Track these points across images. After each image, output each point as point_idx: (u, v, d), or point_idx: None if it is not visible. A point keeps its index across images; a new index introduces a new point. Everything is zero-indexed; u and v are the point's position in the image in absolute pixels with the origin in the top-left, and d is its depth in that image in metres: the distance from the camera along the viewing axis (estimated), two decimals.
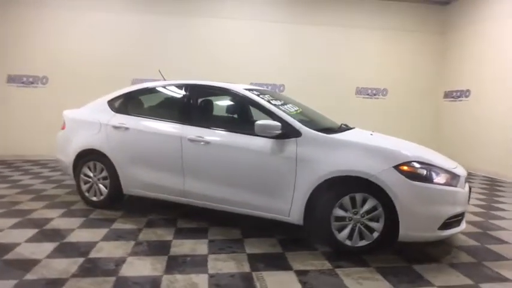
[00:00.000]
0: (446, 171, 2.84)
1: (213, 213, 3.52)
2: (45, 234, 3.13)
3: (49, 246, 2.85)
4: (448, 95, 7.98)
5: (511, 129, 6.16)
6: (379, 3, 7.97)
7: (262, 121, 3.01)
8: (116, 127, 3.72)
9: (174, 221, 3.56)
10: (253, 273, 2.51)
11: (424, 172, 2.76)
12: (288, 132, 3.02)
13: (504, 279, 2.52)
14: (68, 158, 4.01)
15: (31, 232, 3.14)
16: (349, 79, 8.11)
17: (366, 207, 2.81)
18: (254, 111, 3.97)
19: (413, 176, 2.73)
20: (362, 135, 3.29)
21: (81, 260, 2.63)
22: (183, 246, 2.95)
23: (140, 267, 2.55)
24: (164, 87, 3.87)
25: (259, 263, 2.69)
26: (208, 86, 3.64)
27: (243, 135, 3.23)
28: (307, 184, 2.91)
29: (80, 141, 3.90)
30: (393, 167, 2.75)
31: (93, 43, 7.12)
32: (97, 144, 3.79)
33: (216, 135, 3.28)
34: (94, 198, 3.90)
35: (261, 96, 3.39)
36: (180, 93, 3.63)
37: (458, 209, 2.83)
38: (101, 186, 3.85)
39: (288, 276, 2.50)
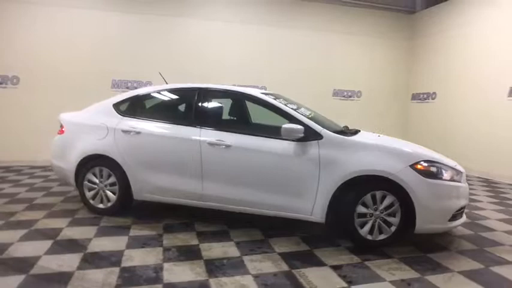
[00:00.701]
0: (452, 169, 3.17)
1: (226, 216, 3.58)
2: (63, 245, 2.98)
3: (74, 258, 2.73)
4: (415, 96, 8.66)
5: (474, 128, 6.87)
6: (353, 10, 8.41)
7: (288, 125, 3.13)
8: (125, 131, 3.62)
9: (191, 225, 3.55)
10: (294, 271, 2.63)
11: (435, 170, 3.07)
12: (309, 135, 3.17)
13: (508, 262, 2.89)
14: (68, 164, 3.81)
15: (46, 244, 2.97)
16: (327, 81, 8.46)
17: (385, 203, 3.05)
18: (254, 114, 4.08)
19: (426, 173, 3.02)
20: (373, 137, 3.53)
21: (116, 269, 2.57)
22: (213, 250, 2.97)
23: (181, 273, 2.55)
24: (176, 90, 3.83)
25: (294, 260, 2.81)
26: (225, 90, 3.67)
27: (264, 138, 3.33)
28: (330, 184, 3.08)
29: (84, 147, 3.73)
30: (409, 166, 3.02)
31: (69, 41, 6.70)
32: (105, 149, 3.65)
33: (237, 139, 3.33)
34: (101, 206, 3.76)
35: (277, 100, 3.50)
36: (195, 97, 3.61)
37: (462, 202, 3.17)
38: (109, 192, 3.71)
39: (326, 271, 2.65)
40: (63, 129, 3.94)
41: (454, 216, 3.13)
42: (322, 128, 3.24)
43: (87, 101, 6.55)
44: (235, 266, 2.68)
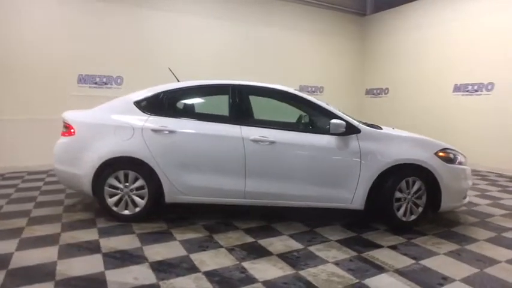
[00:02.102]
0: (461, 154, 3.72)
1: (257, 211, 3.72)
2: (116, 257, 2.70)
3: (143, 269, 2.53)
4: (369, 92, 9.57)
5: (422, 120, 7.91)
6: (314, 10, 8.88)
7: (335, 120, 3.31)
8: (156, 130, 3.38)
9: (230, 224, 3.51)
10: (363, 255, 2.85)
11: (452, 156, 3.57)
12: (348, 130, 3.40)
13: (510, 228, 3.54)
14: (83, 169, 3.40)
15: (95, 259, 2.67)
16: (293, 77, 8.81)
17: (415, 188, 3.45)
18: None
19: (447, 159, 3.51)
20: (394, 130, 3.90)
21: (200, 275, 2.47)
22: (275, 245, 3.02)
23: (267, 270, 2.57)
24: (208, 87, 3.69)
25: (354, 245, 3.04)
26: (261, 88, 3.67)
27: (305, 133, 3.48)
28: (370, 173, 3.37)
29: (105, 149, 3.37)
30: (434, 153, 3.47)
31: (28, 33, 5.79)
32: (132, 151, 3.37)
33: (280, 135, 3.40)
34: (126, 212, 3.46)
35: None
36: (230, 94, 3.54)
37: (470, 182, 3.74)
38: (136, 197, 3.44)
39: (388, 252, 2.93)
40: (71, 130, 3.49)
41: (465, 195, 3.69)
42: (358, 123, 3.50)
43: (52, 97, 5.89)
44: (310, 257, 2.79)
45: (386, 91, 9.05)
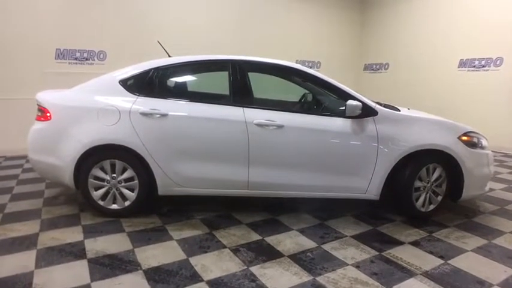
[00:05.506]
0: (484, 138, 3.40)
1: (260, 202, 3.42)
2: (104, 264, 2.33)
3: (136, 279, 2.17)
4: (367, 67, 9.13)
5: (424, 98, 7.56)
6: None
7: (352, 101, 2.92)
8: (146, 114, 2.94)
9: (231, 217, 3.16)
10: (384, 254, 2.55)
11: (476, 140, 3.25)
12: (365, 112, 3.02)
13: None
14: (63, 159, 2.96)
15: (80, 266, 2.29)
16: (288, 51, 8.29)
17: (435, 175, 3.14)
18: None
19: (470, 144, 3.19)
20: (411, 111, 3.54)
21: (203, 285, 2.12)
22: (284, 243, 2.69)
23: (279, 276, 2.24)
24: (205, 63, 3.21)
25: (372, 242, 2.74)
26: (267, 64, 3.21)
27: (317, 116, 3.09)
28: (388, 160, 3.03)
29: (87, 136, 2.92)
30: (457, 138, 3.13)
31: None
32: (119, 138, 2.93)
33: (288, 118, 3.00)
34: (114, 206, 3.07)
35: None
36: (231, 72, 3.08)
37: (492, 169, 3.44)
38: (125, 190, 3.04)
39: (411, 249, 2.64)
40: (47, 114, 3.01)
41: None
42: (375, 104, 3.12)
43: (27, 75, 5.31)
44: (326, 258, 2.47)
45: (386, 66, 8.63)
